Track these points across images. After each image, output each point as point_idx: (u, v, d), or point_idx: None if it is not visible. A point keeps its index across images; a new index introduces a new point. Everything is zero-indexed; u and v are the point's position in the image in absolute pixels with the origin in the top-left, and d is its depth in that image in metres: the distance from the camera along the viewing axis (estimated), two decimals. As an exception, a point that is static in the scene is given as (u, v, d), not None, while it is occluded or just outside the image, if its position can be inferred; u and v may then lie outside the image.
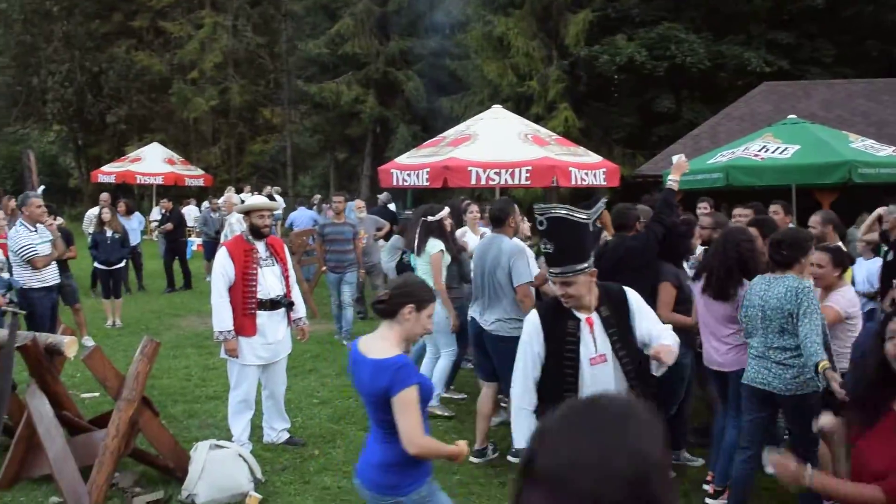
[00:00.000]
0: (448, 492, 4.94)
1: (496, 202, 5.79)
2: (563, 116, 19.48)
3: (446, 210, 6.61)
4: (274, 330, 5.54)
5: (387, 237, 11.64)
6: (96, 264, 10.36)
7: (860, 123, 14.70)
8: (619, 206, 5.65)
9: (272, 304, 5.50)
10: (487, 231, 7.37)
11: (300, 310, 5.80)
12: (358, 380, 3.01)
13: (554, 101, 20.03)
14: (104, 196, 12.82)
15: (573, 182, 10.13)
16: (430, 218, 6.45)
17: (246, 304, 5.40)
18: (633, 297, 3.53)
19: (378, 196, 16.09)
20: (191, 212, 20.66)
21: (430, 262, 6.34)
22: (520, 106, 19.20)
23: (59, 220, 8.92)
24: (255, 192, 19.17)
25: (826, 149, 9.73)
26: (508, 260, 5.29)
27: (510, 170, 9.71)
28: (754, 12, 20.45)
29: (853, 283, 5.72)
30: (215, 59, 27.71)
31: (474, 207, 7.75)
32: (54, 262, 7.43)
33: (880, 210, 6.67)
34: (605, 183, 10.90)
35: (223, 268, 5.38)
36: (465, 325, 6.80)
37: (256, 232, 5.53)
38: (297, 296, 5.76)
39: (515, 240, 5.58)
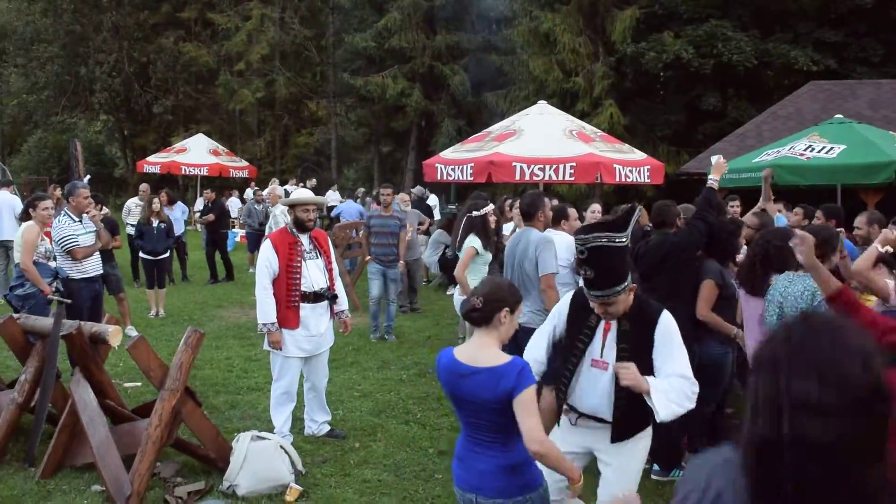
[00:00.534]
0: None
1: (525, 196, 5.77)
2: (608, 113, 19.29)
3: (490, 206, 6.56)
4: (317, 322, 5.55)
5: (426, 232, 11.64)
6: (141, 254, 10.49)
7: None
8: (660, 203, 5.62)
9: (315, 297, 5.51)
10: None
11: (343, 303, 5.80)
12: (462, 390, 2.92)
13: (599, 97, 19.84)
14: (143, 187, 13.04)
15: (617, 179, 10.04)
16: (474, 213, 6.44)
17: (290, 296, 5.41)
18: (665, 324, 3.35)
19: (411, 190, 16.11)
20: (234, 203, 20.93)
21: (462, 254, 6.33)
22: (565, 102, 19.06)
23: (105, 211, 9.03)
24: (301, 184, 19.34)
25: (872, 149, 9.64)
26: (535, 250, 5.30)
27: (554, 166, 9.65)
28: (802, 10, 20.00)
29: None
30: (262, 51, 27.97)
31: (518, 203, 7.70)
32: (97, 254, 7.44)
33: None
34: (649, 180, 10.78)
35: (267, 260, 5.40)
36: None
37: (301, 225, 5.55)
38: (340, 289, 5.76)
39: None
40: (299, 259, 5.45)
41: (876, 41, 19.75)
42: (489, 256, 6.46)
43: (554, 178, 9.77)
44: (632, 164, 10.40)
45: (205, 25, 30.26)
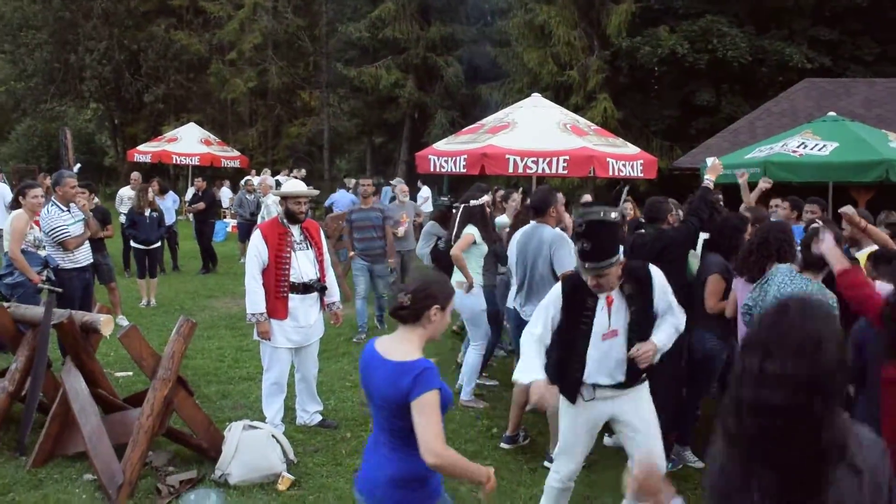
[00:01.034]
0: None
1: (537, 191, 5.71)
2: (602, 107, 19.28)
3: (486, 197, 6.54)
4: (306, 313, 5.53)
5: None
6: (133, 244, 10.43)
7: (897, 122, 14.41)
8: (653, 199, 5.75)
9: (305, 288, 5.50)
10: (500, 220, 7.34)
11: (334, 294, 5.78)
12: (372, 383, 2.77)
13: (594, 91, 19.83)
14: (135, 175, 12.97)
15: (610, 173, 10.02)
16: (472, 202, 6.41)
17: (279, 287, 5.39)
18: (657, 276, 3.77)
19: (391, 182, 16.06)
20: (225, 193, 20.84)
21: (461, 240, 6.30)
22: (559, 95, 19.04)
23: (96, 200, 8.98)
24: (293, 175, 19.27)
25: (864, 147, 9.69)
26: (550, 249, 5.24)
27: (548, 159, 9.62)
28: (798, 8, 20.04)
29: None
30: (254, 40, 27.77)
31: (517, 196, 7.67)
32: (87, 243, 7.39)
33: None
34: (642, 175, 10.77)
35: (257, 250, 5.38)
36: (498, 314, 6.76)
37: (292, 217, 5.52)
38: (331, 280, 5.74)
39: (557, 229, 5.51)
40: (289, 250, 5.43)
41: (870, 40, 19.82)
42: (486, 248, 6.43)
43: (547, 171, 9.74)
44: (625, 158, 10.39)
45: (196, 13, 30.00)
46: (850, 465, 1.69)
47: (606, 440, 5.55)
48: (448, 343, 8.24)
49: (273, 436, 4.96)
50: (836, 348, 1.68)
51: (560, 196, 5.59)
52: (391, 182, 15.12)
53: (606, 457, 5.32)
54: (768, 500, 1.69)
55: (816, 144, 10.09)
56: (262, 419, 5.49)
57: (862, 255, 5.51)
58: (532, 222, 5.57)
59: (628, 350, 3.69)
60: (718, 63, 19.21)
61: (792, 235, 4.69)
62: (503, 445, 5.53)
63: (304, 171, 20.38)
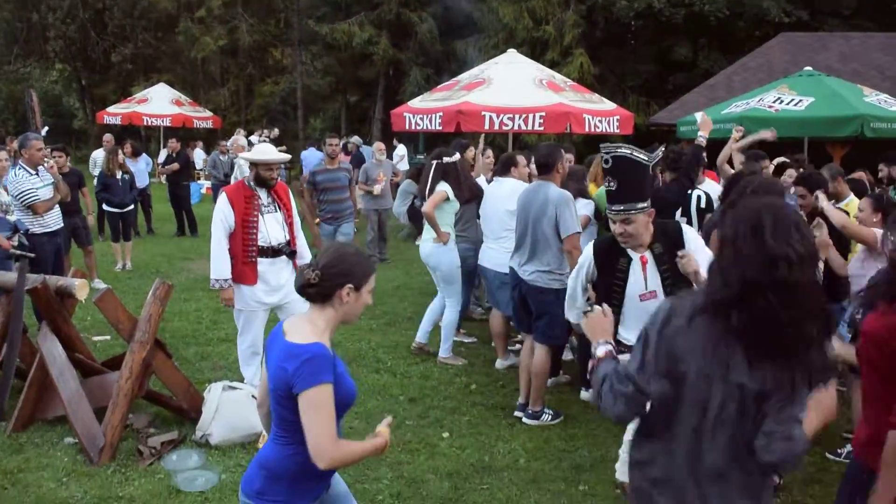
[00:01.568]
0: (457, 432, 5.04)
1: (542, 147, 5.47)
2: (578, 62, 19.17)
3: (458, 155, 6.51)
4: (277, 275, 5.32)
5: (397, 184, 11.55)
6: (106, 207, 10.28)
7: (875, 77, 14.53)
8: (673, 148, 5.71)
9: (274, 252, 5.29)
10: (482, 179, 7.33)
11: (305, 255, 5.60)
12: (268, 363, 2.50)
13: (570, 46, 19.68)
14: (107, 137, 12.74)
15: (587, 129, 10.03)
16: (445, 160, 6.36)
17: (246, 251, 5.21)
18: (690, 233, 3.68)
19: (349, 139, 15.91)
20: (199, 155, 20.56)
21: (432, 197, 6.24)
22: (535, 51, 18.88)
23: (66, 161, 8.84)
24: (265, 136, 19.03)
25: (840, 102, 9.79)
26: (555, 210, 5.04)
27: (524, 115, 9.59)
28: (776, -41, 19.93)
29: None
30: (223, -4, 27.21)
31: (490, 152, 7.66)
32: (57, 207, 7.27)
33: None
34: (618, 131, 10.77)
35: (222, 213, 5.18)
36: (472, 269, 6.79)
37: (262, 182, 5.30)
38: (301, 243, 5.56)
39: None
40: (256, 213, 5.22)
41: (848, -8, 19.80)
42: (458, 205, 6.41)
43: (523, 127, 9.72)
44: (601, 114, 10.39)
45: (163, -31, 29.28)
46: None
47: (583, 395, 5.64)
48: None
49: (253, 396, 4.98)
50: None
51: (522, 158, 5.56)
52: (349, 140, 14.91)
53: (584, 411, 5.42)
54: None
55: (792, 99, 10.15)
56: (242, 380, 5.50)
57: (846, 207, 5.59)
58: (537, 180, 5.41)
59: None
60: (695, 17, 19.13)
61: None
62: (517, 413, 5.40)
63: (276, 131, 20.16)
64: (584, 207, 5.84)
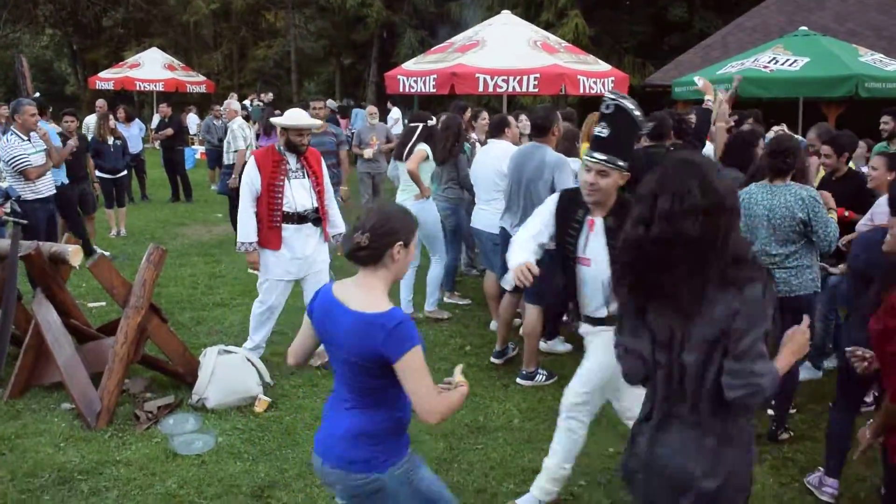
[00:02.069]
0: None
1: (538, 109, 5.56)
2: (573, 24, 18.94)
3: (434, 118, 6.61)
4: (302, 245, 5.25)
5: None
6: (99, 173, 10.21)
7: (871, 37, 14.42)
8: (657, 115, 5.67)
9: (299, 218, 5.21)
10: (476, 140, 7.34)
11: (338, 224, 5.50)
12: (335, 335, 2.45)
13: (564, 7, 19.43)
14: (100, 103, 12.59)
15: (581, 90, 10.00)
16: (430, 122, 6.44)
17: (271, 216, 5.16)
18: None
19: (326, 103, 15.77)
20: (192, 120, 20.40)
21: (413, 155, 6.29)
22: (529, 12, 18.67)
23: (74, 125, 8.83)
24: (262, 99, 18.84)
25: (835, 62, 9.74)
26: (552, 172, 5.06)
27: (518, 77, 9.56)
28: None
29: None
30: (215, -42, 26.77)
31: (485, 114, 7.64)
32: (49, 173, 7.24)
33: None
34: (614, 93, 10.73)
35: (249, 178, 5.13)
36: (454, 229, 6.85)
37: (293, 148, 5.19)
38: (333, 211, 5.47)
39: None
40: (282, 178, 5.14)
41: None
42: (434, 165, 6.46)
43: (518, 89, 9.70)
44: (596, 75, 10.35)
45: (153, -69, 28.77)
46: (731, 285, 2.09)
47: (542, 345, 5.72)
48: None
49: (248, 359, 5.02)
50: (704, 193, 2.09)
51: (559, 115, 5.53)
52: (326, 103, 14.74)
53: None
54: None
55: (787, 59, 10.08)
56: (238, 344, 5.52)
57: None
58: (532, 142, 5.41)
59: (603, 285, 3.33)
60: (691, -23, 18.91)
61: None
62: (494, 360, 5.65)
63: (270, 95, 19.99)
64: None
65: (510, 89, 9.63)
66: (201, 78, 24.80)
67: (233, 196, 9.55)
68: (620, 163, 3.34)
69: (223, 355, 4.96)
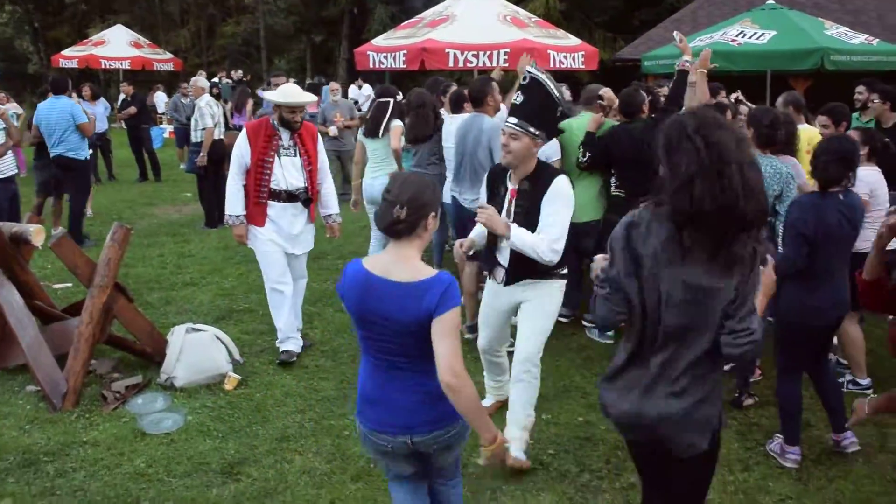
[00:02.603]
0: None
1: (474, 82, 5.71)
2: (543, -2, 18.89)
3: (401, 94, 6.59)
4: (290, 223, 5.11)
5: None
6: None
7: (837, 11, 14.58)
8: (627, 91, 5.66)
9: (288, 196, 5.06)
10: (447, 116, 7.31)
11: (330, 206, 5.36)
12: (378, 309, 2.48)
13: (535, -19, 19.36)
14: (66, 80, 12.33)
15: (551, 65, 9.94)
16: (398, 98, 6.40)
17: (258, 192, 5.02)
18: (557, 186, 3.69)
19: (270, 78, 15.61)
20: (160, 98, 20.09)
21: (391, 134, 6.27)
22: (499, -14, 18.51)
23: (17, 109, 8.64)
24: (233, 76, 18.56)
25: (801, 35, 9.84)
26: (488, 138, 5.23)
27: (488, 52, 9.50)
28: None
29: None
30: (179, -67, 26.24)
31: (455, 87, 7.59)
32: (10, 153, 7.11)
33: None
34: (583, 66, 10.73)
35: (239, 150, 5.00)
36: (443, 205, 6.82)
37: (287, 124, 5.02)
38: (326, 191, 5.33)
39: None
40: (272, 153, 4.98)
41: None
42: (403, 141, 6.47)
43: (488, 64, 9.62)
44: (566, 49, 10.31)
45: None
46: None
47: None
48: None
49: (217, 337, 4.98)
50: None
51: (496, 85, 5.54)
52: (270, 79, 14.55)
53: (549, 344, 5.49)
54: None
55: (755, 33, 10.15)
56: (207, 323, 5.48)
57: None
58: (472, 112, 5.53)
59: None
60: (661, -50, 18.88)
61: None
62: (466, 336, 5.58)
63: (240, 73, 19.73)
64: (553, 150, 5.80)
65: (480, 64, 9.56)
66: (168, 56, 24.37)
67: (201, 175, 9.46)
68: (531, 129, 3.59)
69: (191, 333, 4.93)
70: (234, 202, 5.04)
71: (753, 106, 6.80)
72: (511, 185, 3.78)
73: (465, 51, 9.53)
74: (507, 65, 9.68)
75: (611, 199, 5.58)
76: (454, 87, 7.68)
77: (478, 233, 3.97)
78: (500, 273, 3.91)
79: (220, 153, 9.30)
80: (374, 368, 2.61)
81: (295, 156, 5.08)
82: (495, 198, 3.86)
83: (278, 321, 5.24)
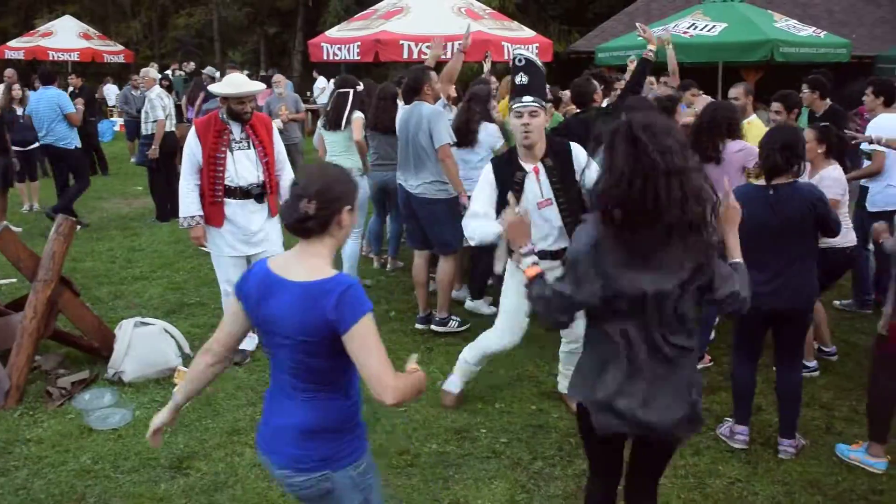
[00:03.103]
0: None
1: (410, 72, 5.71)
2: (499, -10, 18.86)
3: (361, 84, 6.52)
4: (247, 221, 4.82)
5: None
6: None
7: (787, 4, 14.89)
8: (576, 81, 5.73)
9: (243, 193, 4.81)
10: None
11: None
12: (274, 314, 2.15)
13: (490, -27, 19.33)
14: (9, 72, 11.97)
15: (506, 57, 9.96)
16: (359, 88, 6.35)
17: (213, 191, 4.78)
18: (577, 149, 4.00)
19: (203, 71, 15.42)
20: (111, 91, 19.65)
21: (353, 126, 6.23)
22: (455, -22, 18.47)
23: None
24: (184, 68, 18.26)
25: (751, 27, 10.05)
26: (428, 123, 5.27)
27: (443, 44, 9.46)
28: None
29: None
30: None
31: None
32: None
33: None
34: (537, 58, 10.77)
35: (189, 148, 4.79)
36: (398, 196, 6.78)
37: (236, 116, 4.77)
38: (286, 185, 4.88)
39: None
40: (224, 149, 4.72)
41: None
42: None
43: (443, 56, 9.59)
44: (520, 41, 10.32)
45: None
46: None
47: (468, 304, 5.89)
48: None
49: (166, 330, 4.90)
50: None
51: (433, 74, 5.55)
52: (203, 71, 14.30)
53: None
54: None
55: (706, 25, 10.32)
56: (157, 317, 5.38)
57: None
58: (413, 102, 5.55)
59: (562, 216, 3.89)
60: (615, -57, 19.02)
61: (736, 113, 4.99)
62: (417, 326, 5.68)
63: (193, 65, 19.39)
64: (496, 138, 5.80)
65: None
66: (119, 48, 23.84)
67: (152, 167, 9.28)
68: (545, 102, 3.83)
69: (140, 327, 4.84)
70: (189, 203, 4.79)
71: (710, 98, 6.95)
72: (529, 166, 3.90)
73: (420, 42, 9.48)
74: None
75: None
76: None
77: (486, 232, 3.82)
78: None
79: (171, 145, 9.16)
80: (272, 382, 2.30)
81: (249, 148, 4.81)
82: (509, 186, 3.81)
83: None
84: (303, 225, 2.15)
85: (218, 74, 13.97)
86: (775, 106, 5.54)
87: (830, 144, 4.62)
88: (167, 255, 7.64)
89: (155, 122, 9.07)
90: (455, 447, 3.99)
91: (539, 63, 3.86)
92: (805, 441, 4.01)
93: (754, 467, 3.83)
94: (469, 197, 4.40)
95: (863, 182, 5.81)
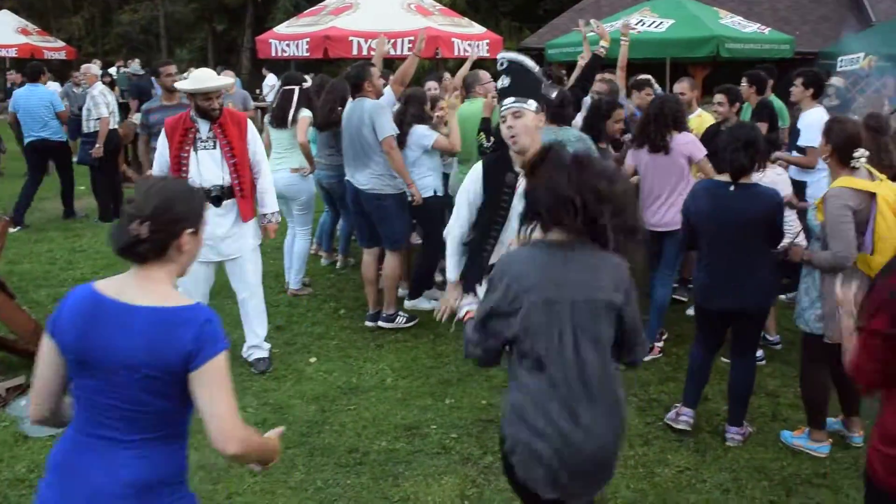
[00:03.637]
0: (324, 357, 5.06)
1: (352, 68, 5.62)
2: (449, -13, 18.86)
3: (308, 80, 6.45)
4: (213, 223, 4.37)
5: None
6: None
7: (732, 1, 15.14)
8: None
9: (206, 195, 4.40)
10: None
11: (266, 203, 4.81)
12: (105, 346, 1.86)
13: (441, -30, 19.32)
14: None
15: (456, 53, 10.00)
16: (305, 85, 6.25)
17: None
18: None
19: (130, 63, 15.24)
20: (51, 88, 19.09)
21: (298, 125, 6.13)
22: (405, -25, 18.42)
23: None
24: (129, 65, 17.85)
25: (697, 24, 10.24)
26: (370, 117, 5.24)
27: (392, 40, 9.39)
28: None
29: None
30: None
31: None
32: None
33: None
34: (488, 54, 10.77)
35: (161, 147, 4.62)
36: (342, 197, 6.68)
37: (204, 114, 4.54)
38: (262, 186, 4.80)
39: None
40: (188, 148, 4.50)
41: None
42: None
43: (392, 52, 9.54)
44: (470, 37, 10.34)
45: None
46: None
47: (407, 303, 5.85)
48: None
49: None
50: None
51: (375, 70, 5.49)
52: (129, 64, 14.09)
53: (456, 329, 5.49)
54: None
55: (654, 21, 10.46)
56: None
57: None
58: (356, 98, 5.47)
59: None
60: (565, -59, 19.13)
61: (682, 105, 5.11)
62: (367, 323, 5.63)
63: (137, 62, 18.98)
64: (423, 137, 5.66)
65: (384, 52, 9.47)
66: (60, 44, 23.18)
67: (95, 166, 9.04)
68: (531, 102, 3.44)
69: (79, 330, 4.66)
70: None
71: (662, 91, 7.07)
72: (522, 170, 3.55)
73: (369, 38, 9.41)
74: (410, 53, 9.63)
75: None
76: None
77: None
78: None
79: (115, 144, 8.93)
80: (78, 429, 1.95)
81: (214, 148, 4.55)
82: (499, 188, 3.52)
83: None
84: (133, 249, 1.91)
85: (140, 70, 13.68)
86: (718, 98, 5.63)
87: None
88: (110, 257, 7.39)
89: (98, 119, 8.83)
90: (405, 444, 3.95)
91: (527, 63, 3.58)
92: (752, 428, 4.07)
93: (703, 455, 3.87)
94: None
95: (798, 177, 5.86)
